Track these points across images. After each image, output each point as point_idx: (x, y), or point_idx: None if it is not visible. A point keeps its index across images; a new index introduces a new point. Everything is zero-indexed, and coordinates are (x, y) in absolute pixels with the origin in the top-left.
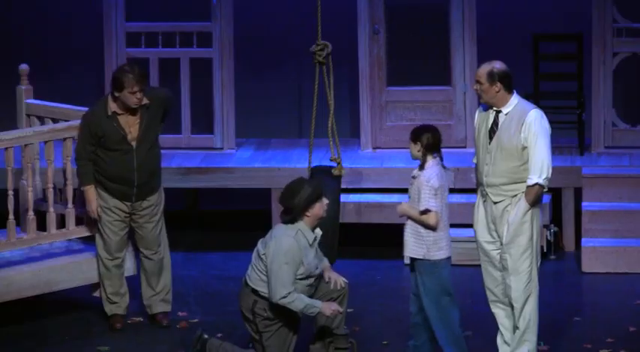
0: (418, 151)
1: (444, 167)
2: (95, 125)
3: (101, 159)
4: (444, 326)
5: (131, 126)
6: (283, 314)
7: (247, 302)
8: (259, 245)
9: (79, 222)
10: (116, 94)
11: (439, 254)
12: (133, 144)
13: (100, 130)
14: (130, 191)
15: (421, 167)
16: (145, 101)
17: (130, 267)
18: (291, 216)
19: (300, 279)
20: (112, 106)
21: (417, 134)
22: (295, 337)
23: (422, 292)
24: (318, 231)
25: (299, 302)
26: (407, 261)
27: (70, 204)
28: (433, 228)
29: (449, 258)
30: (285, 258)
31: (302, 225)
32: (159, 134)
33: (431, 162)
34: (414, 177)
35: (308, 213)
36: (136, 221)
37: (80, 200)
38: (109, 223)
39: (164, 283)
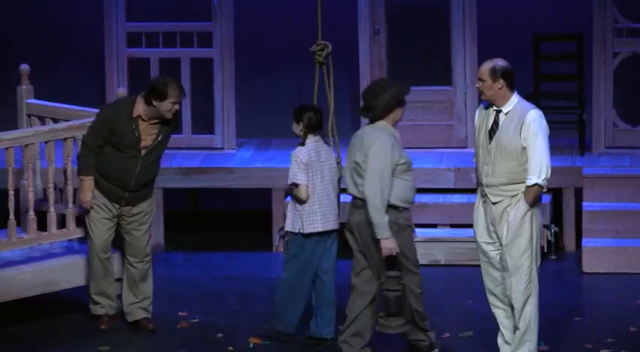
0: (300, 130)
1: (325, 143)
2: (115, 122)
3: (105, 157)
4: (282, 290)
5: (148, 134)
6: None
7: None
8: (351, 156)
9: (79, 222)
10: (155, 102)
11: (311, 227)
12: (142, 151)
13: (118, 129)
14: (122, 194)
15: (302, 144)
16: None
17: (118, 270)
18: (372, 114)
19: (406, 171)
20: (140, 110)
21: (299, 114)
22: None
23: (285, 259)
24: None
25: (381, 209)
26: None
27: (70, 204)
28: (302, 201)
29: (322, 233)
30: (388, 157)
31: (384, 124)
32: (163, 153)
33: (310, 139)
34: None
35: (389, 115)
36: (124, 227)
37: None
38: (97, 221)
39: (146, 292)
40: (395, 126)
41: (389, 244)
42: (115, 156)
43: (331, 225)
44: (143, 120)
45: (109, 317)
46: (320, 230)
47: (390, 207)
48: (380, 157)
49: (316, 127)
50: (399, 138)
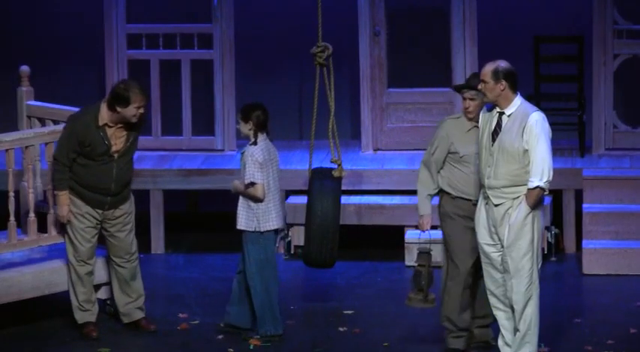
0: (250, 130)
1: (270, 140)
2: (83, 134)
3: (80, 167)
4: (263, 294)
5: (117, 138)
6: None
7: None
8: None
9: None
10: (119, 109)
11: (268, 225)
12: (115, 156)
13: (88, 140)
14: (104, 199)
15: (254, 143)
16: None
17: (101, 274)
18: None
19: (461, 162)
20: (105, 117)
21: (247, 113)
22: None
23: (246, 261)
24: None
25: (418, 190)
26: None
27: None
28: (260, 200)
29: (277, 230)
30: (433, 144)
31: (460, 111)
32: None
33: (261, 138)
34: (242, 153)
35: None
36: (108, 230)
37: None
38: (81, 230)
39: (139, 290)
40: (467, 115)
41: (420, 220)
42: (90, 166)
43: (282, 221)
44: (109, 126)
45: (94, 324)
46: (275, 227)
47: (443, 191)
48: (428, 144)
49: (264, 126)
50: (481, 126)
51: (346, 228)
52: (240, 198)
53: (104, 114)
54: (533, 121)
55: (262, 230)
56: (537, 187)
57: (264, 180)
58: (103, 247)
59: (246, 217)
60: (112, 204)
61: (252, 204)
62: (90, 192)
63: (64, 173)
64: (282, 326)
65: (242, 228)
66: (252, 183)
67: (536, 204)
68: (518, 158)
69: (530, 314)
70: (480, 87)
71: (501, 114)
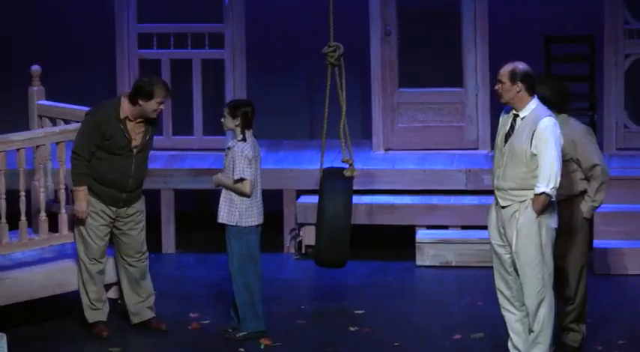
0: (237, 125)
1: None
2: (105, 127)
3: (98, 161)
4: (244, 291)
5: (136, 134)
6: None
7: None
8: None
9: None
10: (140, 102)
11: (249, 221)
12: (134, 151)
13: (109, 133)
14: (119, 196)
15: (243, 140)
16: None
17: (111, 274)
18: None
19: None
20: (126, 111)
21: (234, 109)
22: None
23: (229, 257)
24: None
25: None
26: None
27: None
28: (247, 195)
29: (258, 226)
30: None
31: None
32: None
33: (248, 134)
34: (229, 148)
35: None
36: (120, 228)
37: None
38: (95, 228)
39: (149, 289)
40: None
41: None
42: (109, 160)
43: (262, 217)
44: (130, 120)
45: (104, 323)
46: (256, 223)
47: None
48: None
49: (250, 123)
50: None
51: (357, 227)
52: (223, 191)
53: (125, 108)
54: (543, 126)
55: (244, 225)
56: (543, 193)
57: (252, 176)
58: (111, 247)
59: (228, 211)
60: (126, 201)
61: (235, 198)
62: (106, 188)
63: (82, 168)
64: (264, 322)
65: (223, 221)
66: (242, 179)
67: (542, 210)
68: (526, 161)
69: (544, 315)
70: (496, 87)
71: (516, 116)
